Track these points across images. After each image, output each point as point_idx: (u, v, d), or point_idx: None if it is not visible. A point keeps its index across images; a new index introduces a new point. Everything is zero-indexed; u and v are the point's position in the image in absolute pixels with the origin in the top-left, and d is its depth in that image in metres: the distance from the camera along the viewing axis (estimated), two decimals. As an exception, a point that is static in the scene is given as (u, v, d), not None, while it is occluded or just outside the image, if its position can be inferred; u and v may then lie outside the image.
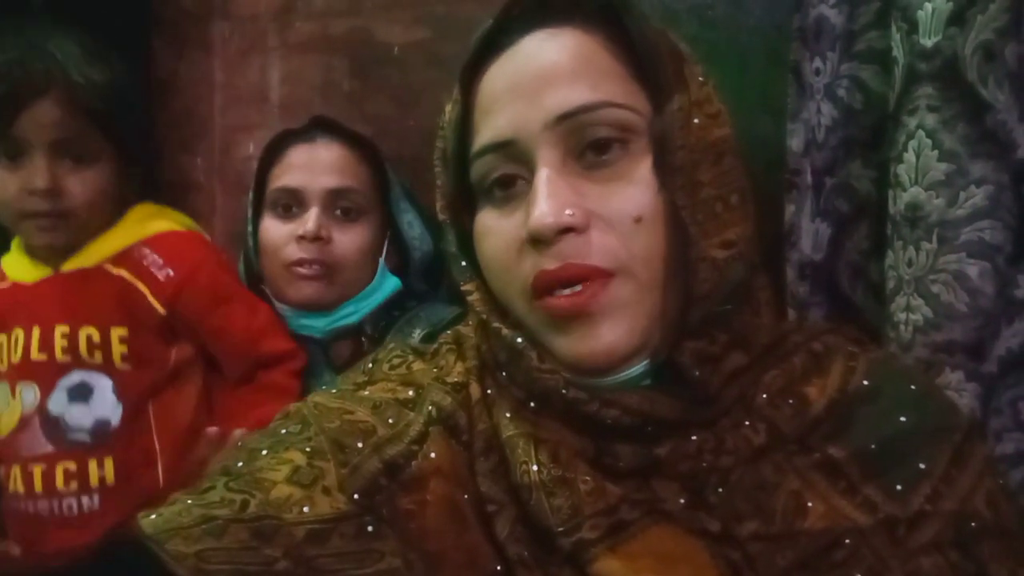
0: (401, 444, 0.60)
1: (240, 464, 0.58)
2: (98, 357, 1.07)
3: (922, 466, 0.58)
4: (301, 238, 1.15)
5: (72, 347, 1.06)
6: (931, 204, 0.84)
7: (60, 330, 1.07)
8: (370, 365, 0.70)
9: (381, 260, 1.22)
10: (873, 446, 0.59)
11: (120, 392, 1.07)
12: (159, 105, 1.63)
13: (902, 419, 0.60)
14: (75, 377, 1.07)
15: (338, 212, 1.18)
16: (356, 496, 0.57)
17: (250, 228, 1.25)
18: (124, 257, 1.10)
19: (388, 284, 1.23)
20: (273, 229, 1.19)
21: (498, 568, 0.57)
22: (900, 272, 0.87)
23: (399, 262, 1.26)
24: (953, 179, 0.83)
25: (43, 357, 1.07)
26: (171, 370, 1.11)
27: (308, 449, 0.59)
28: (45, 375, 1.07)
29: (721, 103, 0.60)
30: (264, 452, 0.59)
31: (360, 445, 0.59)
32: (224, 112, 1.68)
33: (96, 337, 1.07)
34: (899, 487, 0.57)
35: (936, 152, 0.83)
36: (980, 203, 0.82)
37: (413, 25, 1.45)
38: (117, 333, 1.08)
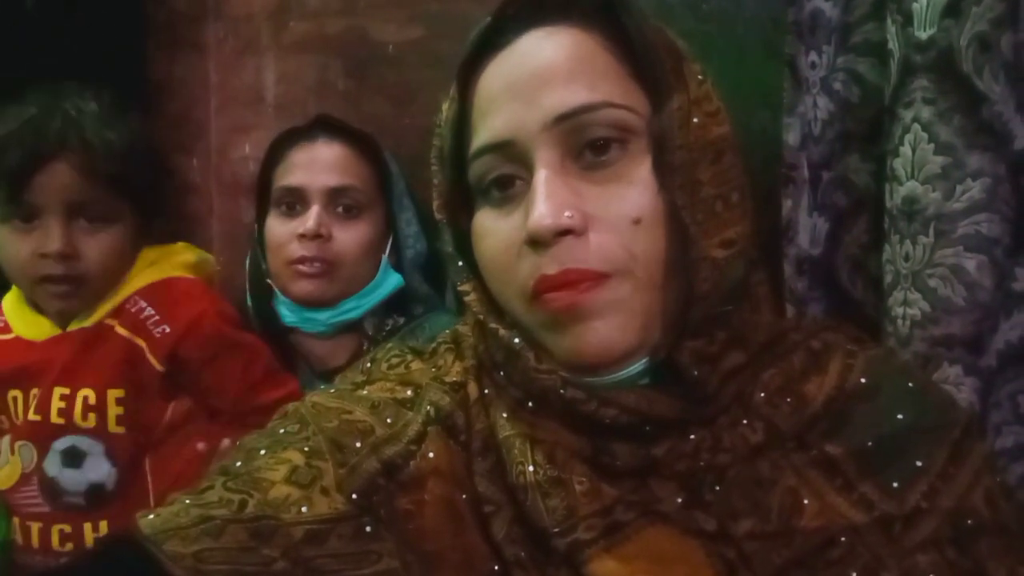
0: (399, 444, 0.60)
1: (238, 464, 0.58)
2: (92, 420, 1.05)
3: (919, 463, 0.58)
4: (302, 236, 1.17)
5: (68, 409, 1.04)
6: (928, 197, 0.84)
7: (59, 391, 1.05)
8: (368, 364, 0.70)
9: (384, 257, 1.23)
10: (870, 443, 0.59)
11: (113, 455, 1.05)
12: (154, 107, 1.63)
13: (900, 416, 0.60)
14: (67, 441, 1.05)
15: (339, 210, 1.20)
16: (354, 496, 0.57)
17: (256, 226, 1.27)
18: (121, 311, 1.08)
19: (390, 281, 1.24)
20: (276, 227, 1.21)
21: (495, 568, 0.57)
22: (897, 266, 0.87)
23: (398, 260, 1.27)
24: (949, 172, 0.82)
25: (38, 418, 1.05)
26: (168, 426, 1.08)
27: (306, 449, 0.59)
28: (40, 436, 1.05)
29: (720, 101, 0.60)
30: (262, 452, 0.59)
31: (358, 445, 0.59)
32: (219, 113, 1.67)
33: (92, 399, 1.05)
34: (896, 484, 0.57)
35: (932, 145, 0.83)
36: (977, 196, 0.82)
37: (408, 24, 1.45)
38: (114, 395, 1.05)
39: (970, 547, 0.56)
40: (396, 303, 1.25)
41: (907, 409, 0.60)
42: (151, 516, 0.54)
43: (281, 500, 0.55)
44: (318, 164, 1.20)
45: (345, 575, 0.55)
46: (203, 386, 1.10)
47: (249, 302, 1.28)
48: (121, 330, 1.07)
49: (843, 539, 0.55)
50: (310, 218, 1.17)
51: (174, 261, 1.14)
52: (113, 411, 1.05)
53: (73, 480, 1.04)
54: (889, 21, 0.87)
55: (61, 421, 1.05)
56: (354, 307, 1.21)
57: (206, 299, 1.12)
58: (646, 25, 0.58)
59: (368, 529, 0.56)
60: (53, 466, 1.05)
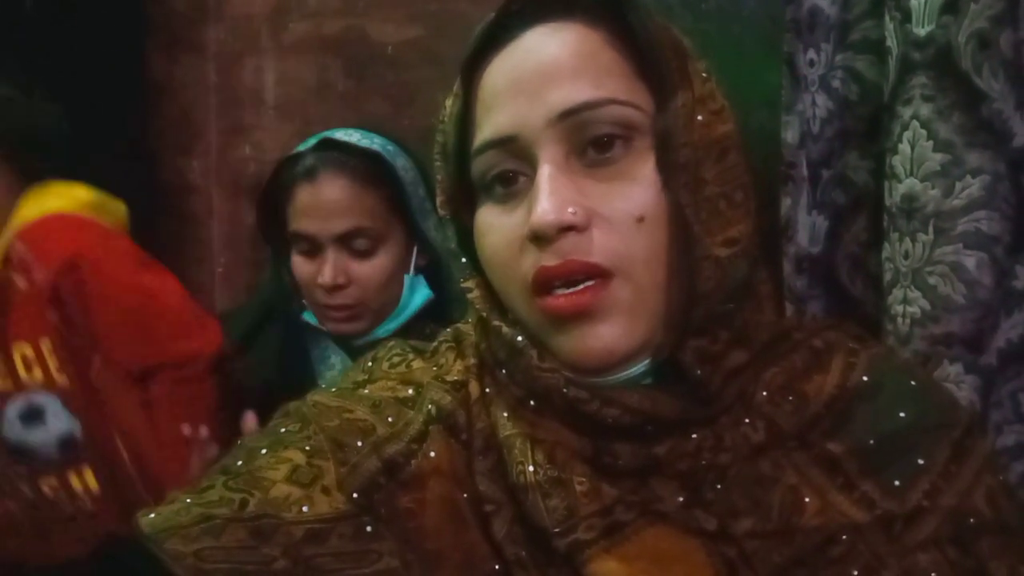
0: (400, 443, 0.59)
1: (239, 463, 0.58)
2: (37, 374, 1.00)
3: (921, 462, 0.58)
4: (321, 286, 1.16)
5: (10, 370, 1.00)
6: (927, 195, 0.84)
7: None
8: (369, 363, 0.69)
9: (407, 277, 1.22)
10: (872, 442, 0.59)
11: (70, 406, 1.02)
12: (154, 108, 1.64)
13: (901, 415, 0.60)
14: (20, 403, 1.01)
15: (355, 248, 1.18)
16: (355, 495, 0.57)
17: (265, 239, 1.26)
18: (9, 258, 1.02)
19: (417, 298, 1.23)
20: (300, 267, 1.20)
21: (496, 568, 0.57)
22: (897, 264, 0.87)
23: (433, 264, 1.25)
24: (949, 169, 0.83)
25: None
26: (102, 376, 1.03)
27: (307, 448, 0.59)
28: None
29: (724, 99, 0.60)
30: (263, 451, 0.59)
31: (359, 444, 0.59)
32: (219, 114, 1.68)
33: (30, 352, 1.00)
34: (897, 483, 0.57)
35: (931, 142, 0.83)
36: (976, 193, 0.82)
37: (406, 23, 1.45)
38: (45, 345, 1.00)
39: (971, 546, 0.56)
40: (431, 312, 1.23)
41: (909, 408, 0.60)
42: (152, 515, 0.54)
43: (282, 499, 0.55)
44: (324, 209, 1.16)
45: (346, 574, 0.55)
46: (96, 336, 1.02)
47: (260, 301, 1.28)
48: (18, 279, 1.01)
49: (844, 537, 0.55)
50: (326, 270, 1.16)
51: (60, 197, 1.06)
52: (52, 362, 1.01)
53: (41, 438, 1.01)
54: (887, 18, 0.87)
55: (7, 383, 1.00)
56: (383, 331, 1.20)
57: (85, 236, 1.03)
58: (651, 22, 0.58)
59: (369, 528, 0.56)
60: (14, 430, 1.01)
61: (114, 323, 1.02)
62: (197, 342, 1.06)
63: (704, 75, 0.59)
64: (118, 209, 1.11)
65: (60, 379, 1.02)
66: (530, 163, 0.57)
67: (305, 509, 0.55)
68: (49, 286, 1.00)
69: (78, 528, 1.03)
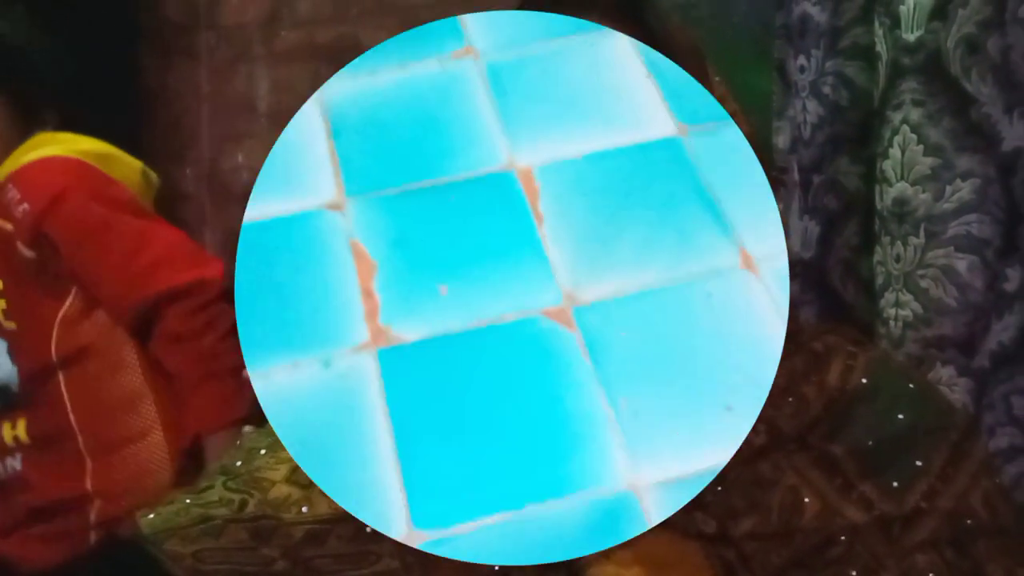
0: (399, 443, 0.59)
1: (239, 463, 0.58)
2: None
3: (919, 464, 0.58)
4: None
5: None
6: (917, 199, 0.84)
7: None
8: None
9: None
10: (870, 444, 0.59)
11: (13, 353, 1.00)
12: (146, 115, 1.63)
13: (900, 417, 0.60)
14: None
15: None
16: None
17: None
18: None
19: None
20: None
21: (496, 569, 0.57)
22: (888, 268, 0.88)
23: None
24: (939, 173, 0.83)
25: None
26: (68, 323, 1.00)
27: (306, 449, 0.59)
28: None
29: (736, 103, 0.60)
30: (263, 451, 0.59)
31: None
32: (212, 122, 1.67)
33: None
34: (895, 484, 0.57)
35: (922, 147, 0.83)
36: (967, 197, 0.83)
37: (399, 31, 1.45)
38: None
39: (969, 548, 0.56)
40: None
41: (907, 410, 0.60)
42: (151, 516, 0.54)
43: (281, 500, 0.55)
44: None
45: (344, 575, 0.55)
46: (78, 276, 0.99)
47: None
48: (3, 223, 0.99)
49: (842, 538, 0.56)
50: None
51: (63, 146, 1.03)
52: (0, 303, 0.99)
53: None
54: (877, 24, 0.88)
55: None
56: None
57: (75, 174, 0.99)
58: (669, 22, 0.59)
59: (368, 529, 0.56)
60: None
61: (101, 260, 0.98)
62: (196, 271, 0.99)
63: (718, 78, 0.60)
64: (129, 164, 1.07)
65: (7, 323, 1.00)
66: None
67: (304, 510, 0.55)
68: (34, 219, 0.96)
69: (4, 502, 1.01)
